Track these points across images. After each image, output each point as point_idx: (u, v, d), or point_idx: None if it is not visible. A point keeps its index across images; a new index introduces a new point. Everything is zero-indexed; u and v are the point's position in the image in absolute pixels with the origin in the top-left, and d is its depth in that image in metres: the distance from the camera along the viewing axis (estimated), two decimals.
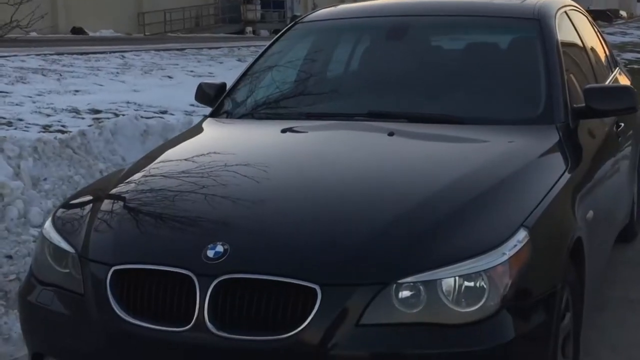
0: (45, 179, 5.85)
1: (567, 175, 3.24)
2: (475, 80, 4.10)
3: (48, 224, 3.12)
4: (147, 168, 3.40)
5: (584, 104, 3.72)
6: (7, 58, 14.08)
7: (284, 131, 3.74)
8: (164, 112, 9.31)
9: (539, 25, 4.07)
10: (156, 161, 3.50)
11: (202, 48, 20.56)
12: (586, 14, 5.33)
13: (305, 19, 4.80)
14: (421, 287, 2.52)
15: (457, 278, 2.53)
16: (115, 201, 3.10)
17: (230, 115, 4.19)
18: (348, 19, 4.73)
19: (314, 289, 2.49)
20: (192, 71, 14.62)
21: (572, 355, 3.07)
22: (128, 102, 9.93)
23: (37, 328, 2.99)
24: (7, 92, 10.10)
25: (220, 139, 3.93)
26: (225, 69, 14.80)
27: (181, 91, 10.77)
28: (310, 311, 2.48)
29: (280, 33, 4.78)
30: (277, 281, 2.53)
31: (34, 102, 9.40)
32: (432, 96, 3.99)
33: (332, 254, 2.60)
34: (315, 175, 3.20)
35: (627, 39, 24.68)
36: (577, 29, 4.65)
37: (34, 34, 23.78)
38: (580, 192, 3.31)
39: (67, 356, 2.90)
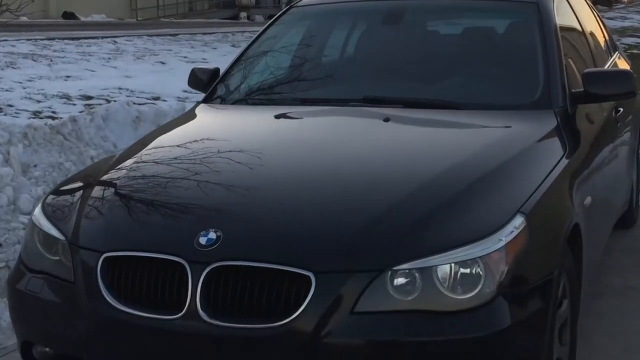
0: (35, 166, 5.84)
1: (564, 161, 3.24)
2: (472, 65, 4.10)
3: (38, 211, 3.12)
4: (138, 154, 3.40)
5: (582, 89, 3.72)
6: None
7: (277, 117, 3.73)
8: (157, 98, 9.28)
9: (537, 8, 4.07)
10: (148, 147, 3.49)
11: (195, 33, 20.49)
12: None
13: (301, 3, 4.79)
14: (416, 274, 2.52)
15: (452, 265, 2.54)
16: (107, 188, 3.09)
17: (223, 101, 4.18)
18: (344, 2, 4.72)
19: (308, 276, 2.50)
20: (185, 57, 14.56)
21: (569, 342, 3.07)
22: (120, 88, 9.89)
23: (27, 316, 2.99)
24: None
25: (213, 125, 3.93)
26: (219, 55, 14.75)
27: (174, 77, 10.73)
28: (304, 299, 2.48)
29: (275, 17, 4.77)
30: (271, 269, 2.53)
31: (24, 88, 9.36)
32: (429, 81, 3.99)
33: (326, 241, 2.60)
34: (309, 161, 3.20)
35: (627, 23, 24.64)
36: (575, 12, 4.64)
37: (24, 19, 23.65)
38: (578, 178, 3.31)
39: (57, 344, 2.90)
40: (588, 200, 3.35)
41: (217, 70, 4.45)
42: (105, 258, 2.72)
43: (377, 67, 4.17)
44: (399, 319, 2.50)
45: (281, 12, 4.83)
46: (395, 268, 2.52)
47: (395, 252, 2.55)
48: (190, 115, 4.08)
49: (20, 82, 9.82)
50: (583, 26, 4.70)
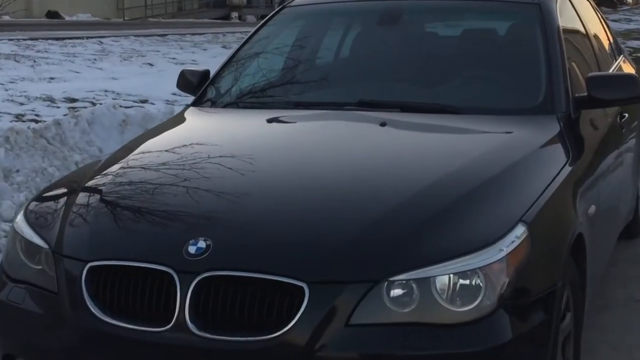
0: (17, 171, 5.82)
1: (568, 168, 3.24)
2: (471, 68, 4.11)
3: (20, 218, 3.11)
4: (125, 159, 3.39)
5: (586, 93, 3.73)
6: None
7: (270, 121, 3.73)
8: (144, 101, 9.29)
9: (539, 10, 4.08)
10: (135, 152, 3.49)
11: (184, 34, 20.50)
12: None
13: (294, 3, 4.79)
14: (414, 285, 2.52)
15: (451, 276, 2.53)
16: (92, 194, 3.08)
17: (213, 104, 4.18)
18: (339, 2, 4.73)
19: (301, 287, 2.49)
20: (174, 58, 14.57)
21: (573, 357, 3.07)
22: (106, 91, 9.89)
23: (8, 328, 2.98)
24: None
25: (203, 129, 3.92)
26: (210, 56, 14.76)
27: (162, 79, 10.74)
28: (297, 310, 2.48)
29: (268, 17, 4.77)
30: (262, 279, 2.52)
31: (6, 90, 9.35)
32: (427, 85, 3.99)
33: (320, 251, 2.59)
34: (302, 167, 3.20)
35: (632, 25, 24.75)
36: (579, 14, 4.66)
37: (6, 18, 23.66)
38: (581, 186, 3.31)
39: (39, 358, 2.89)
40: (592, 209, 3.36)
41: (207, 72, 4.45)
42: (90, 267, 2.71)
43: (373, 70, 4.17)
44: (396, 332, 2.50)
45: (274, 12, 4.83)
46: (391, 279, 2.51)
47: (392, 262, 2.55)
48: (179, 119, 4.08)
49: (2, 84, 9.81)
50: (587, 28, 4.71)
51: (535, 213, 2.80)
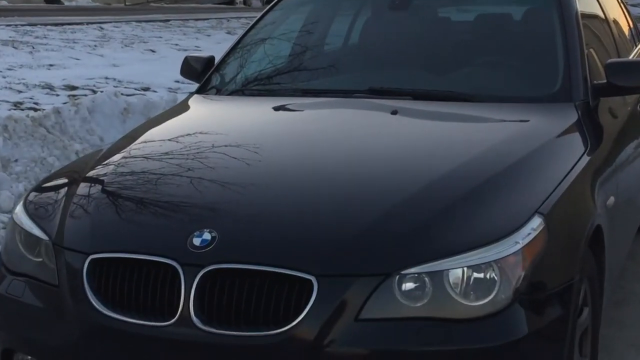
0: (16, 161, 5.84)
1: (586, 158, 3.23)
2: (486, 55, 4.09)
3: (19, 209, 3.12)
4: (127, 149, 3.39)
5: (605, 81, 3.72)
6: None
7: (277, 109, 3.73)
8: (146, 89, 9.30)
9: None
10: (137, 141, 3.49)
11: (187, 19, 20.52)
12: None
13: None
14: (426, 279, 2.52)
15: (465, 269, 2.53)
16: (93, 184, 3.09)
17: (218, 91, 4.18)
18: None
19: (310, 280, 2.49)
20: (176, 44, 14.58)
21: (590, 353, 3.07)
22: (107, 78, 9.91)
23: (7, 322, 2.98)
24: None
25: (208, 117, 3.92)
26: (213, 43, 14.77)
27: (165, 66, 10.75)
28: (306, 304, 2.47)
29: (274, 2, 4.77)
30: (269, 272, 2.52)
31: (4, 77, 9.37)
32: (439, 71, 3.98)
33: (329, 242, 2.59)
34: (310, 157, 3.19)
35: None
36: None
37: (4, 3, 23.70)
38: (600, 176, 3.31)
39: (39, 353, 2.89)
40: (611, 200, 3.35)
41: (212, 58, 4.45)
42: (92, 260, 2.71)
43: (383, 56, 4.17)
44: (407, 327, 2.50)
45: None
46: (403, 272, 2.51)
47: (404, 255, 2.54)
48: (183, 107, 4.08)
49: (0, 71, 9.83)
50: (606, 13, 4.70)
51: (552, 204, 2.80)
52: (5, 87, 8.69)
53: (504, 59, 4.02)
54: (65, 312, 2.74)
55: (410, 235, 2.60)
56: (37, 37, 14.00)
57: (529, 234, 2.63)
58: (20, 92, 8.53)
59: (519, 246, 2.59)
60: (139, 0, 31.93)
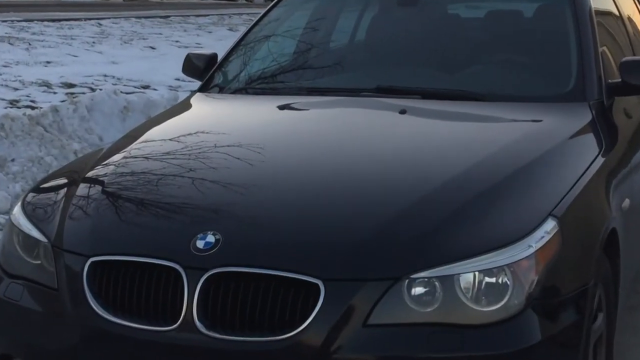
0: (12, 160, 5.85)
1: (600, 159, 3.23)
2: (497, 53, 4.09)
3: (17, 210, 3.12)
4: (128, 148, 3.39)
5: (619, 80, 3.71)
6: None
7: (281, 108, 3.73)
8: (146, 87, 9.31)
9: None
10: (138, 141, 3.49)
11: (188, 16, 20.55)
12: None
13: None
14: (436, 283, 2.51)
15: (476, 273, 2.53)
16: (93, 185, 3.09)
17: (221, 90, 4.17)
18: None
19: (317, 284, 2.49)
20: (177, 41, 14.61)
21: None
22: (106, 75, 9.92)
23: (5, 326, 2.98)
24: None
25: (211, 116, 3.92)
26: (215, 39, 14.80)
27: (165, 63, 10.77)
28: (312, 309, 2.47)
29: None
30: (275, 275, 2.52)
31: None
32: (449, 70, 3.98)
33: (336, 246, 2.59)
34: (316, 157, 3.19)
35: None
36: None
37: None
38: (615, 178, 3.30)
39: (38, 358, 2.90)
40: (626, 202, 3.35)
41: (214, 55, 4.45)
42: (92, 263, 2.71)
43: (391, 54, 4.16)
44: (417, 333, 2.49)
45: None
46: (413, 276, 2.51)
47: (413, 259, 2.54)
48: (185, 106, 4.08)
49: None
50: (620, 10, 4.69)
51: (566, 207, 2.79)
52: (1, 85, 8.71)
53: (515, 57, 4.01)
54: (64, 316, 2.73)
55: (420, 239, 2.59)
56: (33, 34, 14.03)
57: (543, 237, 2.63)
58: (16, 89, 8.55)
59: (532, 250, 2.58)
60: None
